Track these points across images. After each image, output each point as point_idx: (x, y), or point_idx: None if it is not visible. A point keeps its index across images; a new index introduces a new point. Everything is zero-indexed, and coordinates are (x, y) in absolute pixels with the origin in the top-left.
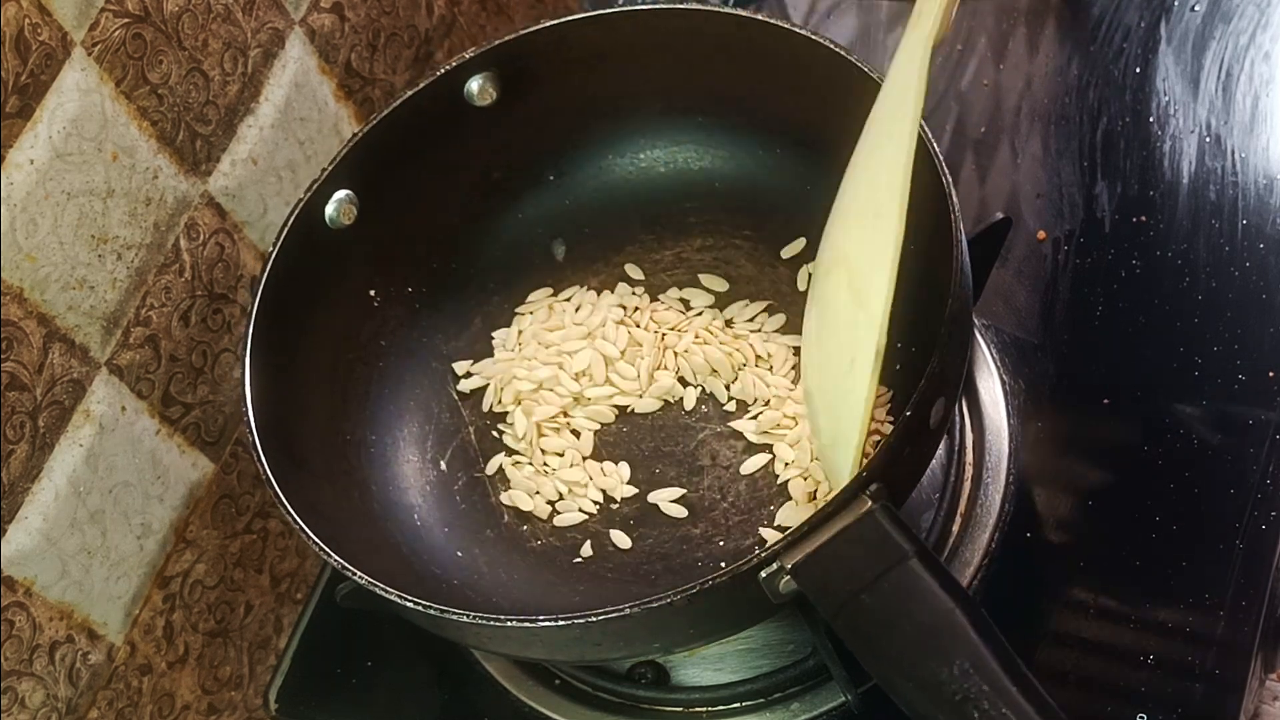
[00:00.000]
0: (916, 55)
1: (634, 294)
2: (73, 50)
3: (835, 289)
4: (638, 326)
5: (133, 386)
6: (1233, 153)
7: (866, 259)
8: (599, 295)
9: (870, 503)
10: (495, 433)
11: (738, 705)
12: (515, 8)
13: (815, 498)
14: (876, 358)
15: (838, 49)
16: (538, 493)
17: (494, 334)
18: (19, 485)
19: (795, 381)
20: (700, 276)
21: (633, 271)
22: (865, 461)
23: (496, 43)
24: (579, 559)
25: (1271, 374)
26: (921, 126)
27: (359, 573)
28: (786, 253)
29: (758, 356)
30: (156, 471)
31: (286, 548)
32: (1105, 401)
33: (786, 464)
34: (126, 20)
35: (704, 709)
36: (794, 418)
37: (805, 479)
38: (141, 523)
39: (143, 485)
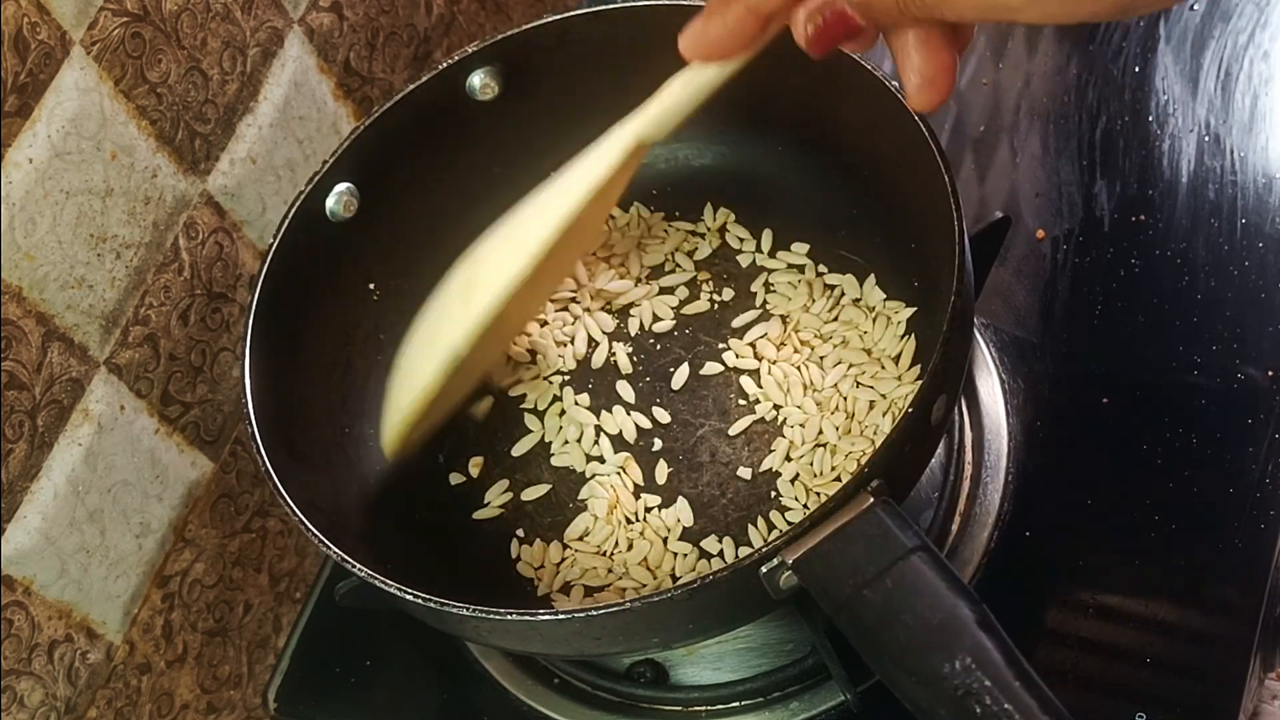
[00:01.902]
0: (620, 144)
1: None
2: (71, 49)
3: (458, 279)
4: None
5: (131, 385)
6: (1232, 152)
7: (491, 274)
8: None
9: (872, 498)
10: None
11: (736, 704)
12: (514, 6)
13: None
14: (450, 357)
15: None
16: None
17: None
18: (18, 484)
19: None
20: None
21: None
22: (868, 458)
23: (498, 38)
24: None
25: (1271, 374)
26: (924, 125)
27: (359, 565)
28: (787, 258)
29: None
30: (155, 470)
31: (285, 547)
32: (1105, 400)
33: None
34: (125, 19)
35: (703, 708)
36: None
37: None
38: (140, 522)
39: (141, 484)
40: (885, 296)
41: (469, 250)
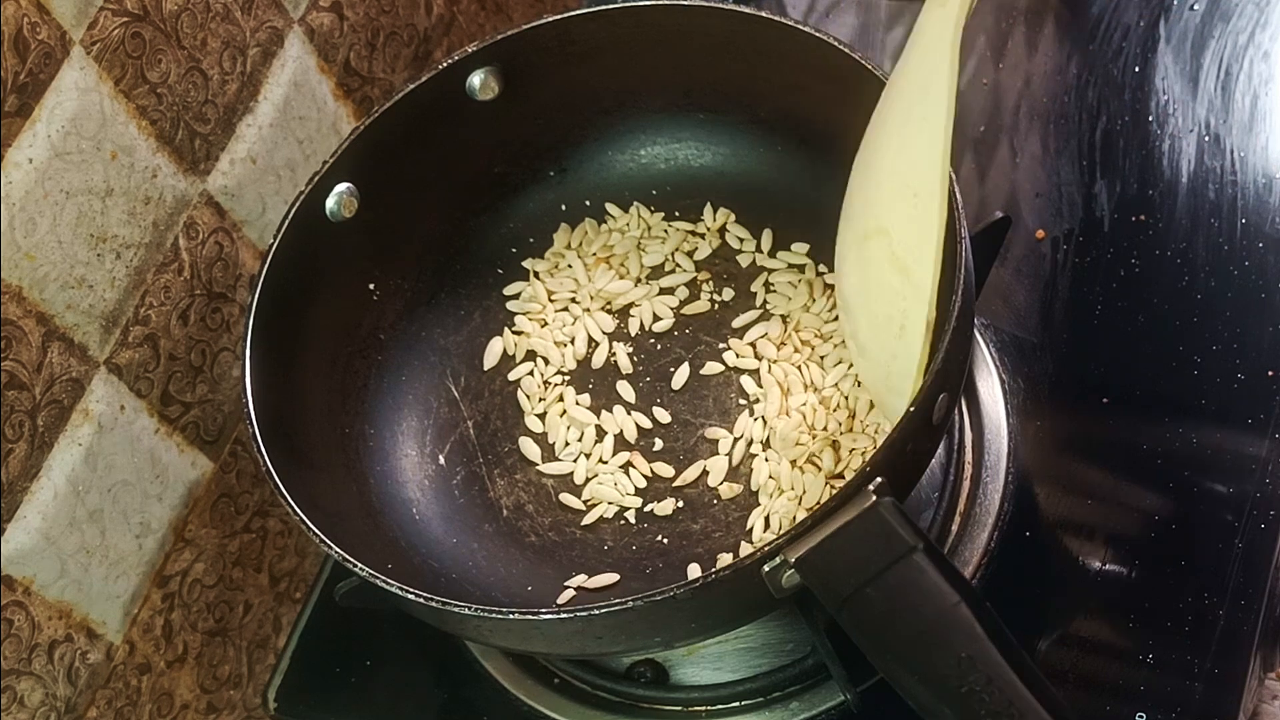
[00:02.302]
0: (948, 32)
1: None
2: (71, 49)
3: (877, 257)
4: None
5: (131, 385)
6: (1232, 152)
7: (911, 235)
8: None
9: (874, 497)
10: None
11: (736, 704)
12: (514, 6)
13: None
14: (928, 330)
15: (840, 45)
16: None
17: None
18: (18, 484)
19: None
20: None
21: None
22: (872, 457)
23: (499, 37)
24: (578, 553)
25: (1271, 373)
26: None
27: (360, 565)
28: (787, 258)
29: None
30: (155, 470)
31: (285, 547)
32: (1104, 400)
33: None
34: (125, 19)
35: (703, 708)
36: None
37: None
38: (140, 522)
39: (141, 484)
40: None
41: (845, 221)
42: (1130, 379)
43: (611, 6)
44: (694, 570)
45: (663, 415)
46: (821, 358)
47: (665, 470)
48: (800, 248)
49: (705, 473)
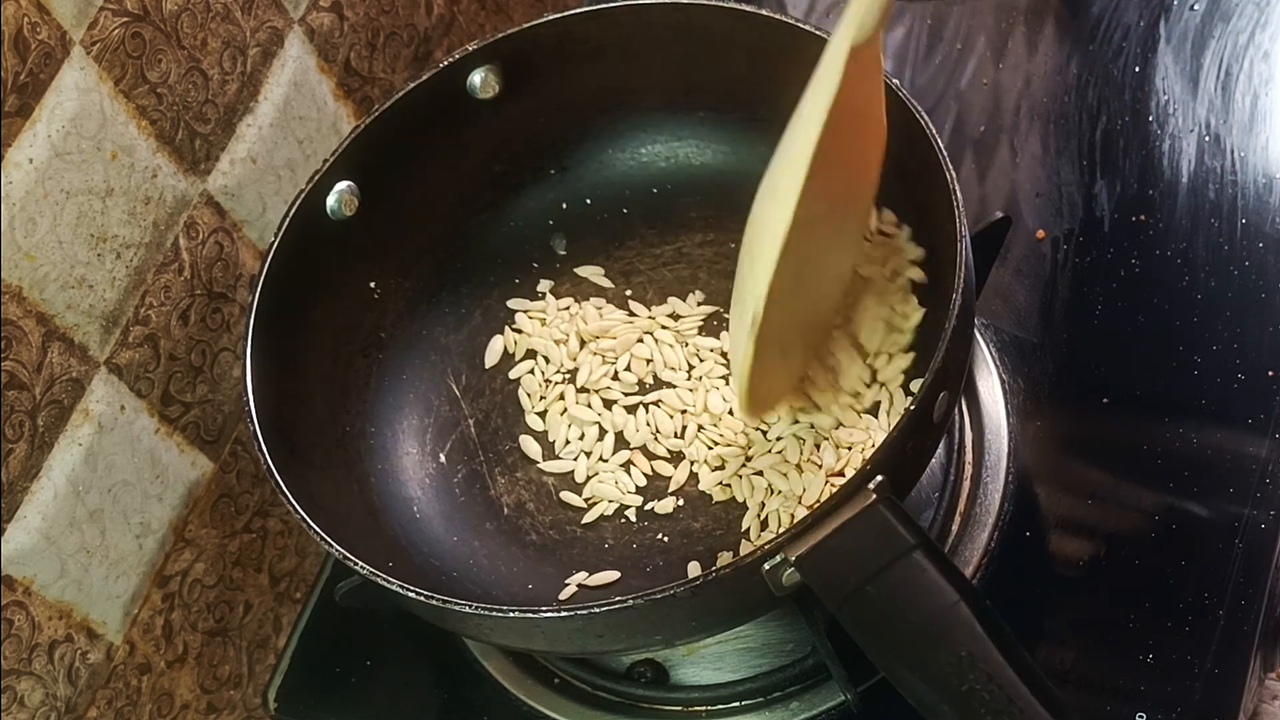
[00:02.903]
0: (840, 52)
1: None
2: (72, 49)
3: (744, 250)
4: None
5: (132, 385)
6: (1232, 152)
7: (762, 233)
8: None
9: (874, 495)
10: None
11: (737, 704)
12: (514, 6)
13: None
14: (753, 326)
15: None
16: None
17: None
18: (18, 484)
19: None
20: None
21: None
22: (873, 455)
23: (499, 36)
24: (578, 551)
25: (1271, 373)
26: (926, 124)
27: (361, 563)
28: None
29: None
30: (155, 470)
31: (286, 546)
32: (1104, 401)
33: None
34: (125, 19)
35: (703, 708)
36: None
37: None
38: (140, 522)
39: (142, 484)
40: None
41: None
42: (1130, 379)
43: (612, 5)
44: (694, 568)
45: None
46: None
47: (666, 469)
48: None
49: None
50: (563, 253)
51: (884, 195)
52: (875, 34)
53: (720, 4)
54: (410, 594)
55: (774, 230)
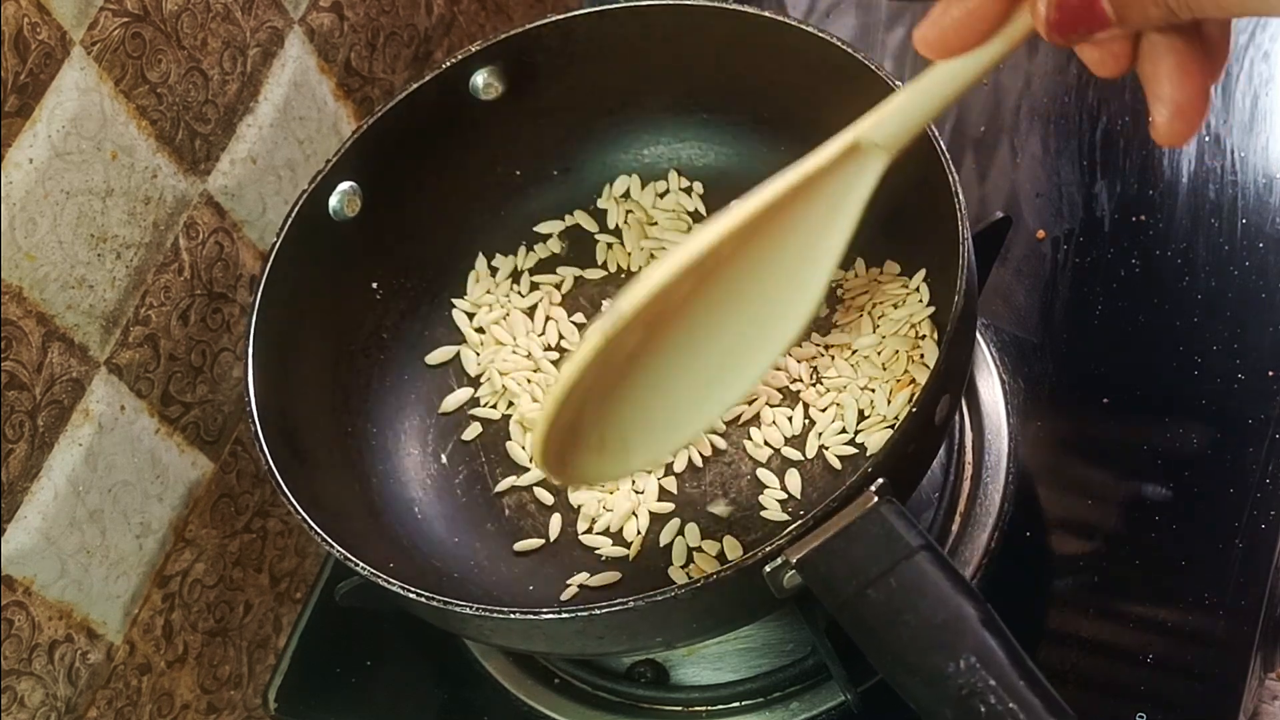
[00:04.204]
0: (834, 144)
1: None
2: (72, 49)
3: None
4: None
5: (132, 386)
6: (1232, 152)
7: (647, 274)
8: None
9: (875, 498)
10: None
11: (737, 704)
12: (514, 7)
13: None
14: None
15: (844, 45)
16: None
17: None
18: (18, 484)
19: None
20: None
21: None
22: (873, 457)
23: (502, 36)
24: (579, 553)
25: (1271, 374)
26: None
27: (362, 564)
28: None
29: None
30: (156, 471)
31: (286, 547)
32: (1105, 401)
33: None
34: (125, 19)
35: (703, 708)
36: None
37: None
38: (141, 522)
39: (142, 484)
40: None
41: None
42: (1130, 379)
43: (614, 6)
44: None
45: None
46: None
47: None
48: None
49: (709, 473)
50: (563, 254)
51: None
52: (887, 144)
53: (722, 5)
54: (411, 595)
55: (658, 271)
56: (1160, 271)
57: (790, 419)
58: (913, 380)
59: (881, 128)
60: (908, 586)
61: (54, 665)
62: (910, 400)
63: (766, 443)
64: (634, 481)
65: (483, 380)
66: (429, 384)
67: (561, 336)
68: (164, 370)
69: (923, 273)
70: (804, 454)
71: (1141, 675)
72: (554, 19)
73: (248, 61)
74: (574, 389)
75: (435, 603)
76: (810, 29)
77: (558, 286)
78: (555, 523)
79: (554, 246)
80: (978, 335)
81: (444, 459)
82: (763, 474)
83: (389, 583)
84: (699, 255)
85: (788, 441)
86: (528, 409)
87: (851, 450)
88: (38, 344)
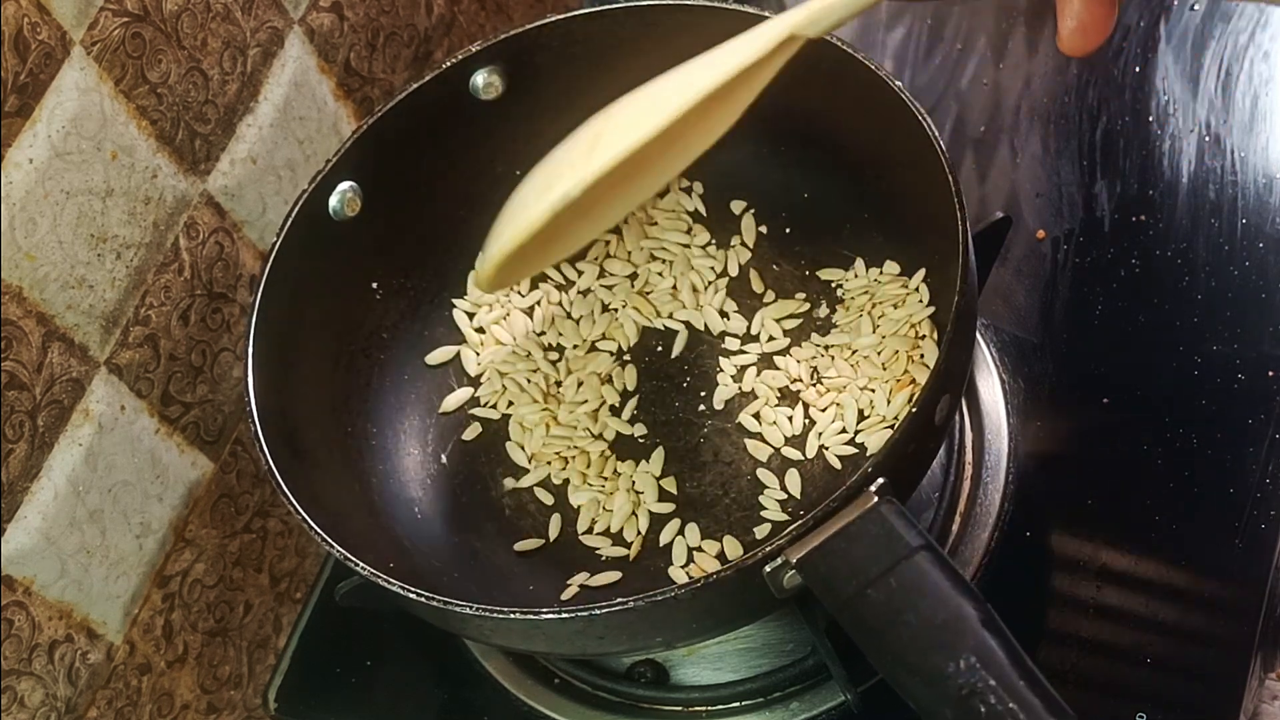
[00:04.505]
0: (773, 31)
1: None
2: (72, 49)
3: (587, 131)
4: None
5: (132, 386)
6: (1232, 152)
7: (621, 130)
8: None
9: (875, 498)
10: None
11: (737, 704)
12: (514, 7)
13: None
14: (562, 200)
15: (844, 46)
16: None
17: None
18: (18, 484)
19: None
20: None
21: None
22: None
23: (502, 36)
24: (579, 553)
25: (1271, 374)
26: (927, 125)
27: (362, 564)
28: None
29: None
30: (156, 471)
31: (286, 547)
32: (1105, 401)
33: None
34: (125, 19)
35: (703, 708)
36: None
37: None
38: (141, 522)
39: (142, 484)
40: None
41: (607, 107)
42: (1130, 379)
43: (615, 6)
44: (695, 570)
45: (665, 414)
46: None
47: (667, 469)
48: (799, 248)
49: (709, 473)
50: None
51: (884, 197)
52: (816, 35)
53: (722, 5)
54: (411, 595)
55: (632, 132)
56: (1160, 271)
57: (790, 419)
58: (913, 380)
59: (816, 24)
60: (908, 586)
61: (54, 665)
62: (910, 400)
63: (766, 442)
64: (634, 482)
65: (483, 380)
66: (429, 384)
67: (561, 336)
68: (164, 370)
69: (922, 273)
70: (804, 454)
71: (1141, 675)
72: (554, 19)
73: (248, 61)
74: (595, 183)
75: (435, 603)
76: None
77: (558, 286)
78: (555, 523)
79: None
80: (978, 335)
81: (444, 459)
82: (763, 474)
83: (389, 583)
84: (657, 131)
85: (788, 441)
86: (528, 409)
87: (851, 450)
88: (38, 344)
